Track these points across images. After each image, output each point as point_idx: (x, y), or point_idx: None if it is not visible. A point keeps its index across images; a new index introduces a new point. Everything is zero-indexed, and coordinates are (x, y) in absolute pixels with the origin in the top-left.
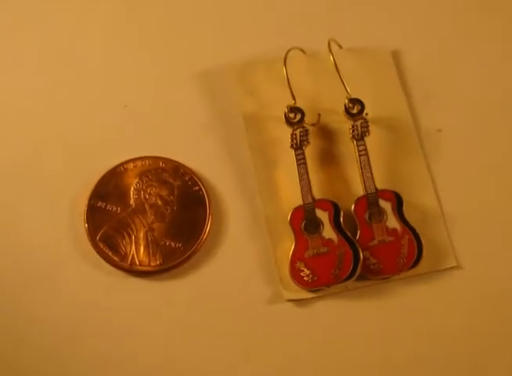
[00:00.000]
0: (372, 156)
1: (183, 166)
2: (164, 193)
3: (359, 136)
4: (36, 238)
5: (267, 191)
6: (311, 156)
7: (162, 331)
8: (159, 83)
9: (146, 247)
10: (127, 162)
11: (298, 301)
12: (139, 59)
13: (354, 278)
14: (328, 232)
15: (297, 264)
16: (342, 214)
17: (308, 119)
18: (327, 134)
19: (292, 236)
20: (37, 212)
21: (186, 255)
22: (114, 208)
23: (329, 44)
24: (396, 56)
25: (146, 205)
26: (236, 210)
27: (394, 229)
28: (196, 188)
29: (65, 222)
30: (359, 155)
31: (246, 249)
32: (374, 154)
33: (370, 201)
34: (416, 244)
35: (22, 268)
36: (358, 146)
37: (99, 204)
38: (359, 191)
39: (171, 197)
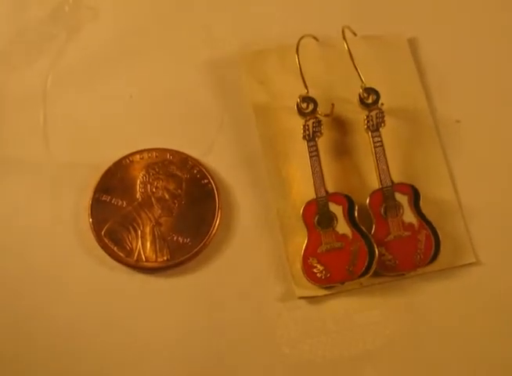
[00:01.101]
0: (387, 148)
1: (191, 158)
2: (172, 186)
3: (374, 127)
4: (39, 233)
5: (278, 184)
6: (324, 148)
7: (168, 330)
8: (166, 72)
9: (153, 242)
10: (133, 154)
11: (311, 299)
12: (146, 47)
13: (369, 275)
14: (342, 227)
15: (310, 260)
16: (356, 208)
17: (321, 109)
18: (341, 125)
19: (304, 231)
20: (40, 206)
21: (194, 251)
22: (120, 202)
23: (343, 31)
24: (413, 44)
25: (153, 199)
26: (246, 204)
27: (411, 224)
28: (205, 181)
29: (69, 216)
30: (374, 147)
31: (256, 244)
32: (390, 146)
33: (386, 195)
34: (433, 239)
35: (24, 263)
36: (373, 137)
37: (104, 197)
38: (374, 184)
39: (179, 191)
